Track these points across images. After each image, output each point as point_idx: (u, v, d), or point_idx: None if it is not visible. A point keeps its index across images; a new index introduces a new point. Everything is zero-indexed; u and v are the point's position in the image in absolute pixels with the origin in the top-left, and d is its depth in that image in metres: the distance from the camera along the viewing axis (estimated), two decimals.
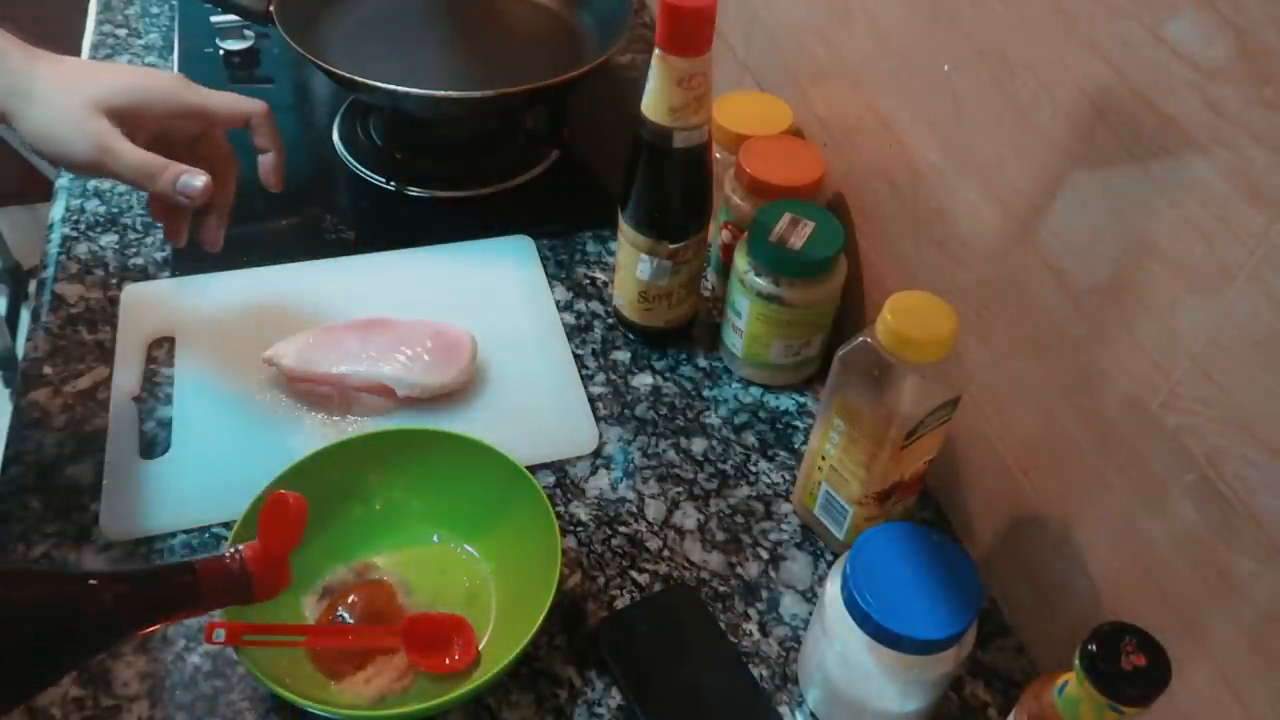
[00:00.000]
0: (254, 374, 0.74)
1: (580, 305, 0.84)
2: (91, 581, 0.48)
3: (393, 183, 0.93)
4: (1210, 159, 0.46)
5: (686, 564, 0.67)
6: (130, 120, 0.65)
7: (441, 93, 0.84)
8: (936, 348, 0.56)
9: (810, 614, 0.65)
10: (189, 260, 0.83)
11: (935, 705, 0.58)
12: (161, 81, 0.67)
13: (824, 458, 0.64)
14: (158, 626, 0.50)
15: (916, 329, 0.56)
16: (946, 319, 0.57)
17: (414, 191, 0.93)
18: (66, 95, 0.64)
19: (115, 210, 0.88)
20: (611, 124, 1.03)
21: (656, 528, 0.69)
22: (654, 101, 0.67)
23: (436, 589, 0.64)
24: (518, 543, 0.64)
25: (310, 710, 0.54)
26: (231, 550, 0.51)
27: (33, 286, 0.84)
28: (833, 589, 0.55)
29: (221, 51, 1.06)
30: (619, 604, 0.65)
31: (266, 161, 0.73)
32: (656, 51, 0.65)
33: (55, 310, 0.79)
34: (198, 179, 0.65)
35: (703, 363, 0.80)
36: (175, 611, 0.50)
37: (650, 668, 0.60)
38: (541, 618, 0.57)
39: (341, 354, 0.73)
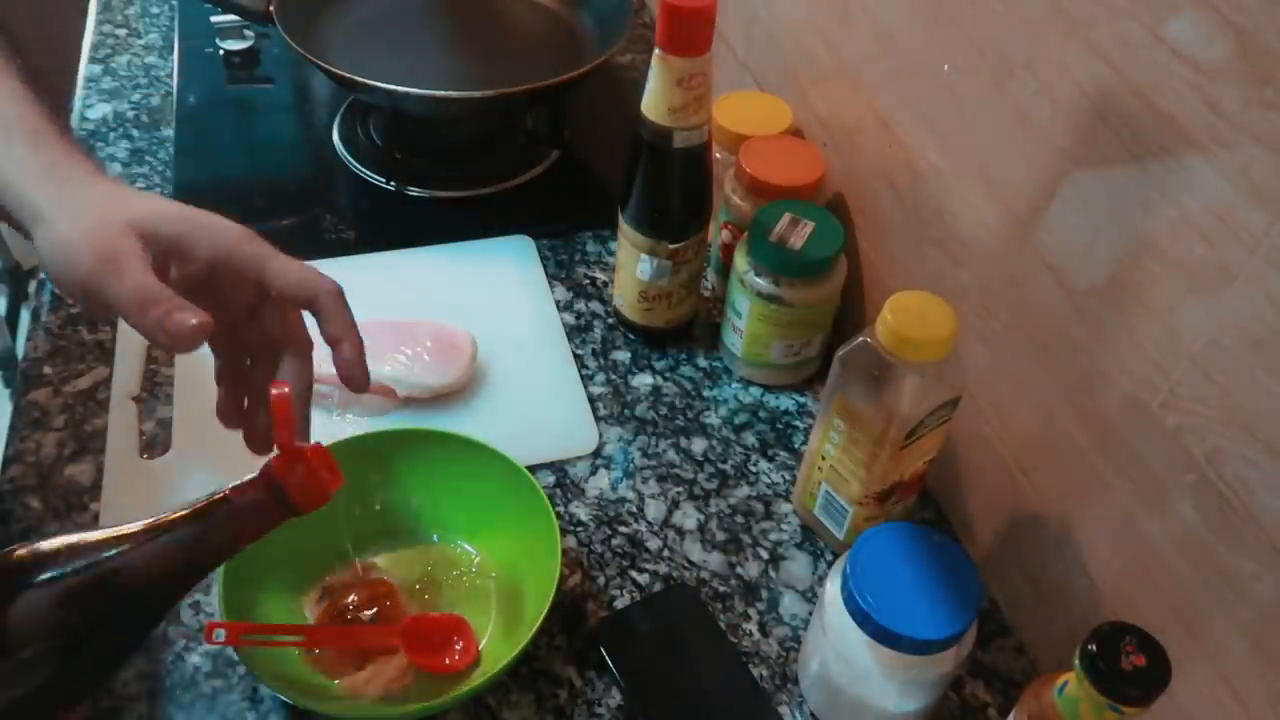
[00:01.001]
0: None
1: (580, 305, 0.84)
2: (137, 541, 0.47)
3: (393, 183, 0.93)
4: (1210, 159, 0.46)
5: (686, 564, 0.67)
6: (168, 251, 0.52)
7: (441, 93, 0.84)
8: (936, 348, 0.56)
9: (810, 614, 0.65)
10: None
11: (935, 705, 0.58)
12: (218, 222, 0.54)
13: (824, 458, 0.64)
14: (209, 565, 0.49)
15: (916, 329, 0.56)
16: (946, 319, 0.57)
17: (414, 191, 0.93)
18: (106, 208, 0.52)
19: None
20: (611, 124, 1.03)
21: (656, 528, 0.69)
22: (654, 101, 0.66)
23: (437, 589, 0.64)
24: (518, 543, 0.64)
25: (310, 710, 0.54)
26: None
27: (33, 286, 0.84)
28: (833, 589, 0.55)
29: (221, 51, 1.06)
30: (619, 604, 0.65)
31: (342, 355, 0.56)
32: (656, 51, 0.65)
33: (55, 310, 0.79)
34: (191, 317, 0.49)
35: (703, 363, 0.80)
36: (220, 549, 0.49)
37: (650, 668, 0.60)
38: (541, 618, 0.57)
39: None
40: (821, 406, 0.63)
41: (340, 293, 0.57)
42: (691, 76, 0.65)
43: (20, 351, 1.69)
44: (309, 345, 0.57)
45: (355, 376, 0.56)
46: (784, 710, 0.61)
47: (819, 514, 0.67)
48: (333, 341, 0.56)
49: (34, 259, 1.33)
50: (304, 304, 0.56)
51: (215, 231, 0.54)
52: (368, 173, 0.94)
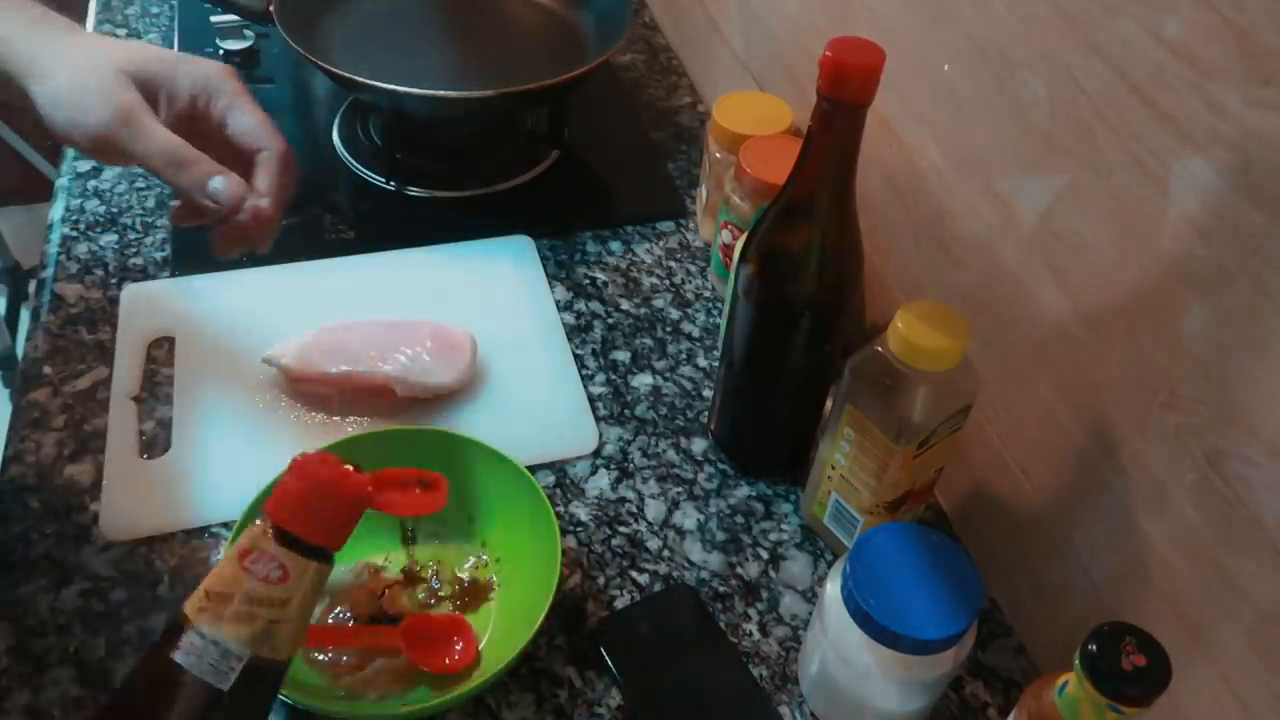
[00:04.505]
0: (254, 374, 0.74)
1: (580, 305, 0.84)
2: None
3: (393, 183, 0.93)
4: (1210, 159, 0.46)
5: (686, 564, 0.67)
6: (157, 89, 0.59)
7: (441, 93, 0.84)
8: (948, 356, 0.56)
9: (810, 614, 0.65)
10: (189, 260, 0.83)
11: (935, 705, 0.58)
12: (197, 60, 0.62)
13: (834, 467, 0.64)
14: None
15: (928, 338, 0.55)
16: (958, 327, 0.56)
17: (414, 191, 0.93)
18: (95, 55, 0.57)
19: (115, 210, 0.88)
20: (611, 124, 1.03)
21: (656, 528, 0.69)
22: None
23: (437, 589, 0.64)
24: (518, 543, 0.64)
25: (310, 710, 0.54)
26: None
27: (32, 286, 0.84)
28: (833, 589, 0.55)
29: (221, 51, 1.05)
30: (619, 604, 0.65)
31: (256, 206, 0.62)
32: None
33: (55, 310, 0.79)
34: (228, 182, 0.58)
35: (703, 362, 0.80)
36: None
37: (650, 668, 0.60)
38: (541, 618, 0.57)
39: (341, 354, 0.73)
40: (832, 416, 0.62)
41: (286, 154, 0.62)
42: (264, 558, 0.44)
43: (20, 351, 1.70)
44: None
45: (254, 231, 0.62)
46: (784, 710, 0.61)
47: (829, 523, 0.67)
48: (254, 191, 0.61)
49: (34, 259, 1.33)
50: (250, 153, 0.61)
51: (196, 67, 0.60)
52: (368, 173, 0.94)
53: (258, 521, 0.44)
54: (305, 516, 0.43)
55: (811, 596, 0.66)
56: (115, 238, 0.86)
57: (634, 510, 0.70)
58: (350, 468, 0.46)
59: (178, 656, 0.40)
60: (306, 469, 0.44)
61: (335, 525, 0.45)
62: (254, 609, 0.41)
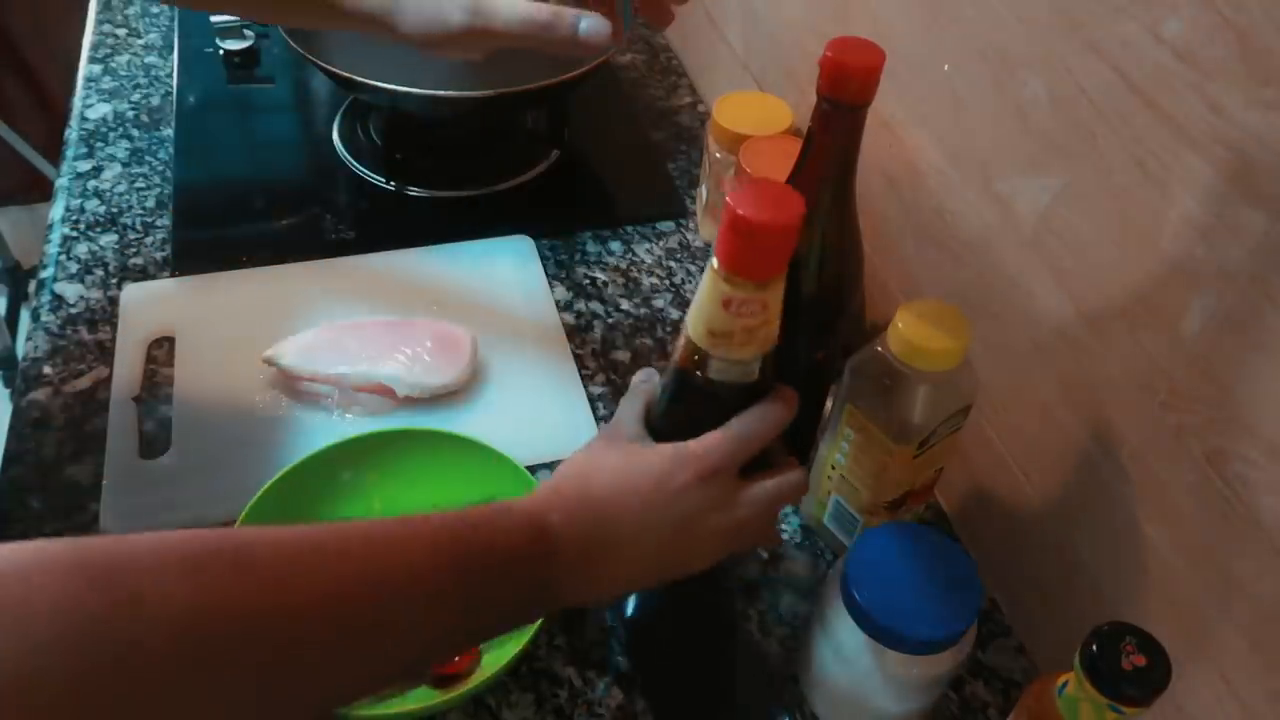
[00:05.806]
0: (254, 374, 0.74)
1: (580, 305, 0.84)
2: None
3: (393, 183, 0.93)
4: (1210, 159, 0.46)
5: None
6: None
7: (441, 93, 0.84)
8: (949, 357, 0.56)
9: (810, 614, 0.65)
10: (189, 260, 0.83)
11: (935, 705, 0.58)
12: None
13: (834, 467, 0.64)
14: None
15: (929, 338, 0.55)
16: (959, 327, 0.56)
17: (414, 191, 0.93)
18: None
19: (115, 210, 0.88)
20: (611, 124, 1.03)
21: None
22: (695, 315, 0.50)
23: None
24: None
25: None
26: None
27: (32, 286, 0.84)
28: (833, 589, 0.55)
29: (221, 51, 1.06)
30: (619, 604, 0.65)
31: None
32: (712, 261, 0.49)
33: (55, 310, 0.79)
34: (594, 21, 0.60)
35: None
36: None
37: (651, 667, 0.60)
38: (541, 618, 0.57)
39: (341, 354, 0.73)
40: (832, 416, 0.62)
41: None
42: (743, 303, 0.48)
43: (20, 351, 1.70)
44: None
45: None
46: (784, 710, 0.60)
47: (829, 524, 0.67)
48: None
49: (34, 259, 1.33)
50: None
51: None
52: (368, 173, 0.94)
53: (722, 276, 0.48)
54: (760, 261, 0.48)
55: (811, 596, 0.66)
56: (115, 238, 0.86)
57: None
58: (786, 198, 0.48)
59: (714, 375, 0.51)
60: (747, 224, 0.46)
61: (783, 256, 0.49)
62: (749, 335, 0.49)
